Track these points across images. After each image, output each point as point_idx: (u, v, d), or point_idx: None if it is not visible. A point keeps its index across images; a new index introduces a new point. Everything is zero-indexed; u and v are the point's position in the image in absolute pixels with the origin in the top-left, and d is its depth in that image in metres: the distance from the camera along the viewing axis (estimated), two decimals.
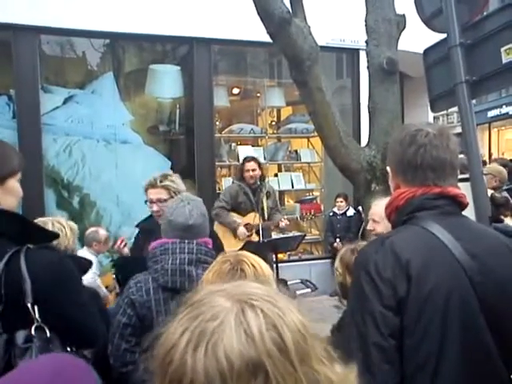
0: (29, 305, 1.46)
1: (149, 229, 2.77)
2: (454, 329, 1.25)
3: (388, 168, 1.51)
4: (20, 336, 1.44)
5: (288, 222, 5.25)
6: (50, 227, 2.32)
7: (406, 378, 1.23)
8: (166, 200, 2.73)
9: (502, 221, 3.30)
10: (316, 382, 0.68)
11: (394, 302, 1.24)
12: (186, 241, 2.00)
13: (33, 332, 1.46)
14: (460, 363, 1.24)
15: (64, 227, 2.41)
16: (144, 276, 2.01)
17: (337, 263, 2.25)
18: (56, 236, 1.80)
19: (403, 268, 1.26)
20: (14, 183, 1.62)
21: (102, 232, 4.43)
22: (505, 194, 4.60)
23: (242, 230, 5.10)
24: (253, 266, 1.49)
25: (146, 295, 1.95)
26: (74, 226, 2.56)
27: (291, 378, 0.66)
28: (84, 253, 3.86)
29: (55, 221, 2.42)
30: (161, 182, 2.78)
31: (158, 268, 1.97)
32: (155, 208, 2.76)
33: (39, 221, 2.35)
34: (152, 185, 2.78)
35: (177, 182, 2.84)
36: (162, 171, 6.30)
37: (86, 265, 2.50)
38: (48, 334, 1.49)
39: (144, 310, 1.93)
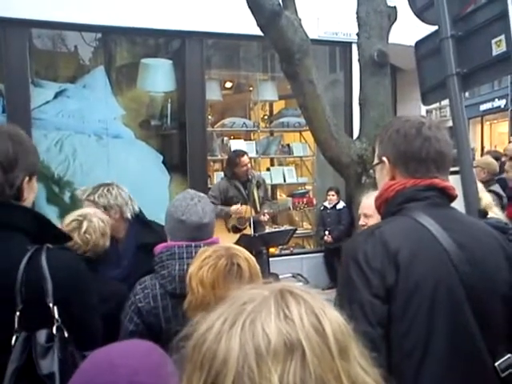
0: (50, 305, 1.45)
1: None
2: (440, 318, 1.27)
3: (384, 158, 1.50)
4: (42, 335, 1.43)
5: (267, 218, 5.23)
6: (95, 224, 2.21)
7: (393, 366, 1.24)
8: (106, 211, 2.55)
9: (486, 213, 3.31)
10: (355, 379, 0.66)
11: (383, 290, 1.26)
12: (193, 244, 1.90)
13: (54, 331, 1.44)
14: (446, 351, 1.26)
15: (106, 225, 2.27)
16: (151, 281, 1.92)
17: None
18: (70, 238, 1.80)
19: (392, 257, 1.28)
20: (35, 180, 1.61)
21: None
22: (497, 186, 4.62)
23: (234, 208, 5.09)
24: (246, 260, 1.47)
25: (153, 302, 1.86)
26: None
27: (328, 365, 0.63)
28: None
29: (100, 219, 2.27)
30: (88, 195, 2.63)
31: (165, 274, 1.88)
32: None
33: (82, 214, 2.24)
34: (90, 200, 2.61)
35: (113, 194, 2.64)
36: (153, 166, 6.30)
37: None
38: (66, 335, 1.48)
39: (151, 318, 1.85)
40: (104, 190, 2.63)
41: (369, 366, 0.70)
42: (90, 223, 2.20)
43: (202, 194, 2.06)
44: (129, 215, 2.65)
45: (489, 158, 5.31)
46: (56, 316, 1.46)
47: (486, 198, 3.53)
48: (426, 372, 1.25)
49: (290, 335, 0.63)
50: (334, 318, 0.68)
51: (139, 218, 2.75)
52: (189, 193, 2.05)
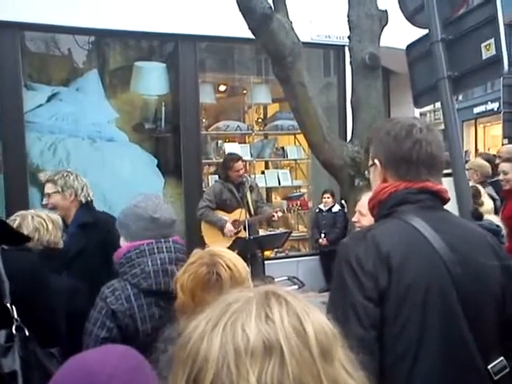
0: (8, 305, 1.45)
1: None
2: (433, 320, 1.27)
3: (376, 160, 1.50)
4: (2, 335, 1.43)
5: (281, 214, 5.22)
6: (29, 221, 2.26)
7: (386, 368, 1.25)
8: (54, 193, 3.03)
9: (481, 216, 3.33)
10: (336, 381, 0.66)
11: (376, 293, 1.26)
12: (163, 240, 1.91)
13: (13, 331, 1.44)
14: (439, 354, 1.26)
15: (45, 220, 2.32)
16: (119, 283, 1.88)
17: None
18: (28, 239, 1.79)
19: (384, 260, 1.28)
20: None
21: None
22: (490, 189, 4.63)
23: (228, 228, 5.09)
24: (229, 268, 1.44)
25: (127, 303, 1.82)
26: (56, 218, 2.47)
27: (308, 367, 0.64)
28: None
29: (35, 214, 2.33)
30: (49, 177, 3.12)
31: (136, 272, 1.85)
32: (45, 201, 3.08)
33: (19, 215, 2.31)
34: (46, 179, 3.12)
35: (70, 178, 3.10)
36: (147, 169, 6.28)
37: (66, 258, 2.49)
38: (27, 333, 1.48)
39: (126, 319, 1.81)
40: (63, 173, 3.10)
41: (354, 369, 0.70)
42: (23, 221, 2.27)
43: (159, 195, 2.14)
44: (82, 199, 3.08)
45: (481, 161, 5.33)
46: (15, 316, 1.46)
47: (487, 204, 3.56)
48: (419, 374, 1.24)
49: (269, 335, 0.63)
50: (317, 321, 0.68)
51: (89, 205, 3.15)
52: (148, 195, 2.05)
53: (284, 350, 0.63)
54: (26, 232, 2.17)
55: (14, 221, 2.26)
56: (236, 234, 5.17)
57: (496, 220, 3.48)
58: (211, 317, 0.67)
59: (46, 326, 1.61)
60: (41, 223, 2.30)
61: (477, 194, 3.42)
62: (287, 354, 0.63)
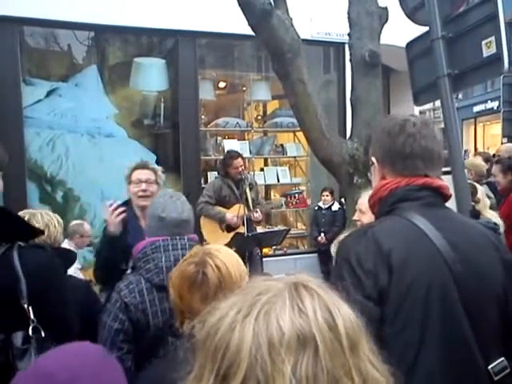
0: (25, 305, 1.44)
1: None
2: (434, 319, 1.25)
3: (373, 158, 1.50)
4: (18, 337, 1.42)
5: (260, 216, 5.18)
6: (39, 219, 2.29)
7: None
8: (153, 183, 2.86)
9: (479, 214, 3.33)
10: (365, 375, 0.66)
11: (376, 292, 1.24)
12: (178, 237, 1.95)
13: (30, 333, 1.43)
14: (439, 353, 1.25)
15: (53, 219, 2.38)
16: (135, 277, 1.93)
17: (334, 248, 2.22)
18: (42, 232, 1.78)
19: (384, 258, 1.26)
20: (0, 177, 1.60)
21: (87, 226, 4.41)
22: (485, 187, 4.65)
23: (229, 216, 5.10)
24: (218, 269, 1.39)
25: (140, 296, 1.86)
26: (60, 219, 2.54)
27: (340, 361, 0.64)
28: (65, 245, 3.83)
29: (44, 213, 2.39)
30: (150, 165, 2.97)
31: (150, 267, 1.89)
32: (144, 186, 2.83)
33: (28, 212, 2.33)
34: (141, 166, 2.92)
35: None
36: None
37: (72, 257, 2.48)
38: (43, 334, 1.46)
39: (138, 313, 1.84)
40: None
41: (378, 361, 0.71)
42: (33, 217, 2.29)
43: (180, 194, 2.11)
44: None
45: (476, 160, 5.34)
46: (32, 317, 1.45)
47: (484, 201, 3.56)
48: (419, 373, 1.23)
49: (303, 328, 0.63)
50: (346, 314, 0.69)
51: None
52: (167, 192, 2.11)
53: (318, 343, 0.63)
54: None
55: (23, 216, 2.27)
56: (235, 228, 5.17)
57: (494, 216, 3.48)
58: (241, 306, 0.65)
59: (61, 321, 1.60)
60: (50, 220, 2.34)
61: (473, 192, 3.42)
62: (321, 348, 0.63)
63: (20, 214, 2.31)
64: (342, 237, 2.21)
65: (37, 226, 2.19)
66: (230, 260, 1.43)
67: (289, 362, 0.60)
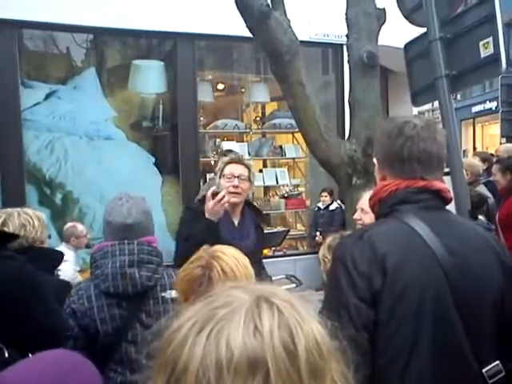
0: None
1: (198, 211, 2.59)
2: (427, 324, 1.25)
3: (374, 160, 1.51)
4: None
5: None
6: (15, 220, 2.22)
7: (378, 370, 1.24)
8: (245, 179, 2.70)
9: (476, 218, 3.33)
10: None
11: (369, 294, 1.25)
12: (126, 241, 1.89)
13: None
14: (432, 358, 1.24)
15: (31, 218, 2.28)
16: (86, 283, 1.92)
17: (324, 251, 2.20)
18: (14, 236, 1.72)
19: (379, 262, 1.26)
20: None
21: (80, 227, 4.39)
22: (482, 187, 4.65)
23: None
24: (223, 272, 1.38)
25: (88, 303, 1.84)
26: (42, 215, 2.44)
27: None
28: (62, 249, 3.82)
29: (22, 211, 2.29)
30: (245, 160, 2.80)
31: (98, 273, 1.87)
32: (236, 182, 2.67)
33: (4, 212, 2.26)
34: (236, 161, 2.75)
35: None
36: (145, 168, 6.27)
37: (57, 257, 2.43)
38: (6, 355, 1.41)
39: (86, 320, 1.83)
40: None
41: None
42: (9, 217, 2.21)
43: (134, 195, 2.00)
44: None
45: (471, 160, 5.35)
46: None
47: None
48: (411, 376, 1.23)
49: (255, 351, 0.58)
50: (311, 335, 0.63)
51: None
52: (121, 194, 2.00)
53: (270, 369, 0.58)
54: (11, 229, 2.14)
55: None
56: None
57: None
58: (196, 320, 0.62)
59: (45, 334, 1.57)
60: (27, 220, 2.25)
61: (479, 204, 3.43)
62: (273, 374, 0.58)
63: None
64: (329, 239, 2.21)
65: (11, 227, 2.14)
66: (236, 263, 1.42)
67: None
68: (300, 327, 0.62)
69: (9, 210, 2.31)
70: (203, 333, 0.60)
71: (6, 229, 2.11)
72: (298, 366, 0.60)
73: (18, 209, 2.32)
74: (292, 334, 0.61)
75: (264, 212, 5.43)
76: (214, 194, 2.47)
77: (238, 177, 2.68)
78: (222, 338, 0.59)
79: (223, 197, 2.46)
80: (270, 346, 0.59)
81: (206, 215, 2.46)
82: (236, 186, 2.66)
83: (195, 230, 2.42)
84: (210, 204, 2.45)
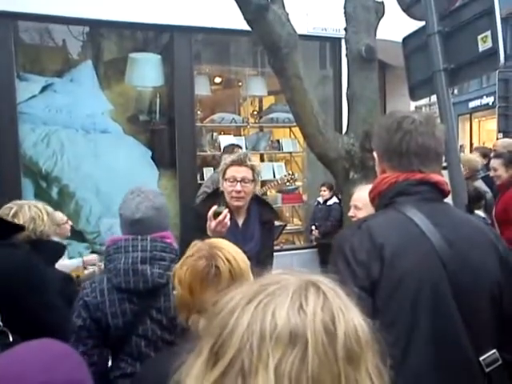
0: None
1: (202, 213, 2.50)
2: (424, 313, 1.26)
3: (374, 153, 1.53)
4: None
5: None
6: (26, 211, 2.25)
7: None
8: (249, 182, 2.62)
9: (473, 211, 3.34)
10: None
11: (368, 283, 1.27)
12: (139, 237, 1.89)
13: None
14: (428, 346, 1.26)
15: (41, 211, 2.32)
16: (100, 276, 1.95)
17: None
18: (22, 228, 1.73)
19: (377, 251, 1.28)
20: None
21: (59, 214, 4.36)
22: (480, 182, 4.66)
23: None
24: (228, 261, 1.40)
25: (100, 296, 1.86)
26: (51, 209, 2.48)
27: (329, 368, 0.62)
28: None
29: (32, 205, 2.34)
30: (249, 160, 2.68)
31: (111, 268, 1.88)
32: (239, 187, 2.60)
33: (16, 204, 2.29)
34: (238, 163, 2.65)
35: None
36: (142, 161, 6.25)
37: (59, 249, 2.46)
38: (11, 339, 1.42)
39: (98, 313, 1.85)
40: None
41: (381, 379, 0.69)
42: (20, 209, 2.24)
43: (146, 190, 1.98)
44: None
45: (469, 155, 5.37)
46: None
47: None
48: (408, 365, 1.25)
49: (297, 326, 0.62)
50: (351, 323, 0.66)
51: None
52: (134, 188, 2.00)
53: (309, 343, 0.62)
54: (21, 221, 2.16)
55: (11, 208, 2.24)
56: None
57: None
58: (247, 293, 0.67)
59: (47, 328, 1.57)
60: (37, 213, 2.28)
61: (476, 198, 3.44)
62: (311, 349, 0.62)
63: (8, 205, 2.28)
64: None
65: (22, 220, 2.16)
66: (236, 253, 1.45)
67: (274, 357, 0.61)
68: (342, 314, 0.66)
69: (19, 201, 2.33)
70: (252, 304, 0.65)
71: (16, 220, 2.14)
72: (335, 347, 0.63)
73: (28, 201, 2.35)
74: (334, 317, 0.65)
75: None
76: (216, 214, 2.39)
77: (241, 181, 2.62)
78: (269, 310, 0.64)
79: (225, 217, 2.39)
80: (311, 324, 0.63)
81: (209, 234, 2.39)
82: (239, 191, 2.61)
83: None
84: (212, 224, 2.40)
